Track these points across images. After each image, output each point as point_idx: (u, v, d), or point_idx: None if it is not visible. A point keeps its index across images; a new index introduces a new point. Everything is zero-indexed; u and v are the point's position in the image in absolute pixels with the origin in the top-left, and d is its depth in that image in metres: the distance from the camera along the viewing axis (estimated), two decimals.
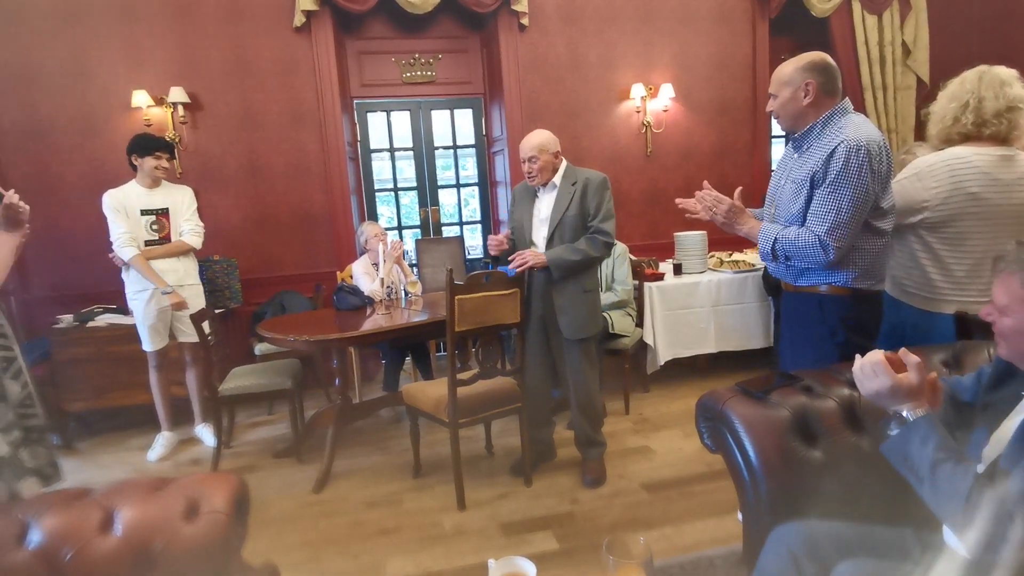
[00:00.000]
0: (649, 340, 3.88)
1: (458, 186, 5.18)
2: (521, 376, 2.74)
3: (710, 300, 3.97)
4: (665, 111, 4.87)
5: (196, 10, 4.06)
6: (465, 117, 5.07)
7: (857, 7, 5.03)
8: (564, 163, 2.74)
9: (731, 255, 4.54)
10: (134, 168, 3.28)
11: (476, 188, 5.22)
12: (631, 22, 4.79)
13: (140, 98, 3.93)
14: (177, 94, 3.96)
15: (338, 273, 4.27)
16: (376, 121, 4.94)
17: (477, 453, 3.16)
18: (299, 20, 4.12)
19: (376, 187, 4.99)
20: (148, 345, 3.37)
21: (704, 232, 4.18)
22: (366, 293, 3.53)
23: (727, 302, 3.98)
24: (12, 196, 2.09)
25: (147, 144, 3.24)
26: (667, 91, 4.79)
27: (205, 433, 3.56)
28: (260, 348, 3.94)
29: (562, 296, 2.68)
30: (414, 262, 4.63)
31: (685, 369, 4.12)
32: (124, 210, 3.22)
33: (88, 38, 3.94)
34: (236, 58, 4.15)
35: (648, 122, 4.86)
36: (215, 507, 1.28)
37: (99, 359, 3.70)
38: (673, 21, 4.87)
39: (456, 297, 2.41)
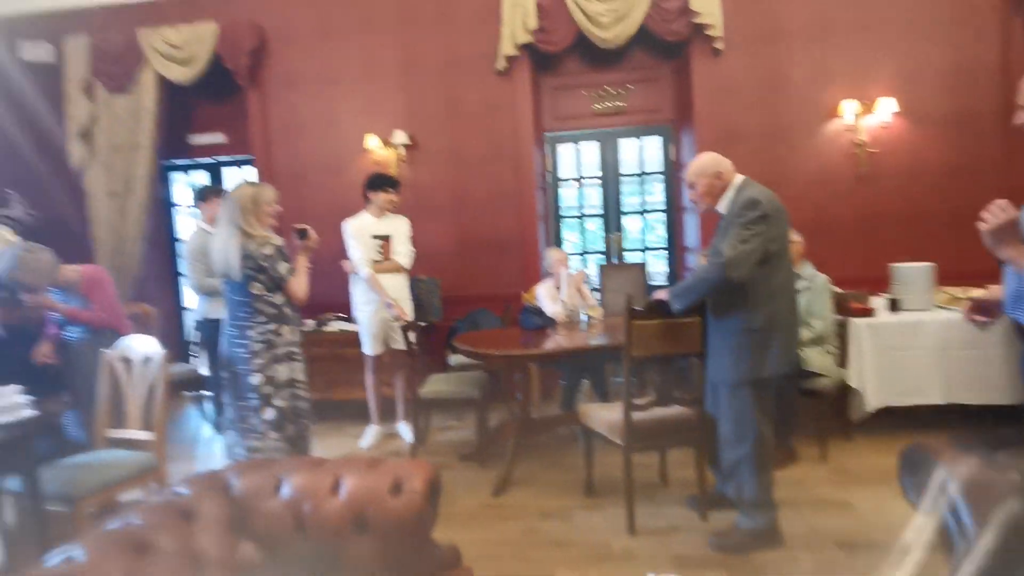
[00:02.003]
0: (855, 383, 3.47)
1: (643, 212, 5.20)
2: (700, 407, 2.67)
3: (937, 342, 3.42)
4: (884, 128, 4.36)
5: (419, 63, 4.73)
6: (653, 144, 5.09)
7: None
8: (735, 185, 2.49)
9: (967, 291, 3.86)
10: (367, 200, 3.91)
11: (662, 214, 5.18)
12: (844, 35, 4.40)
13: (371, 142, 4.69)
14: (400, 137, 4.64)
15: (524, 295, 4.56)
16: (565, 151, 5.21)
17: (651, 481, 3.12)
18: (501, 65, 4.56)
19: (563, 214, 5.23)
20: (368, 349, 3.95)
21: (930, 264, 3.63)
22: (548, 314, 3.73)
23: (960, 346, 3.39)
24: (312, 232, 2.81)
25: (381, 181, 3.86)
26: (887, 106, 4.28)
27: (405, 430, 4.05)
28: (454, 359, 4.36)
29: (712, 332, 2.50)
30: (597, 287, 4.75)
31: (901, 419, 3.58)
32: (361, 235, 3.86)
33: (339, 96, 4.82)
34: (447, 103, 4.73)
35: (862, 141, 4.39)
36: (415, 488, 1.51)
37: (330, 359, 4.44)
38: (898, 28, 4.36)
39: (633, 322, 2.46)
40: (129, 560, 1.21)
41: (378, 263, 3.88)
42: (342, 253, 3.95)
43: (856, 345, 3.47)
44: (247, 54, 4.72)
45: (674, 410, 2.68)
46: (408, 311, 3.94)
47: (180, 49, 4.75)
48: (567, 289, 3.90)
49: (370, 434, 4.03)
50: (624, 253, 5.24)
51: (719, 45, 4.41)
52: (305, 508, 1.49)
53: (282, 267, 2.78)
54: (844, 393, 3.52)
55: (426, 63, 4.73)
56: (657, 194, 5.24)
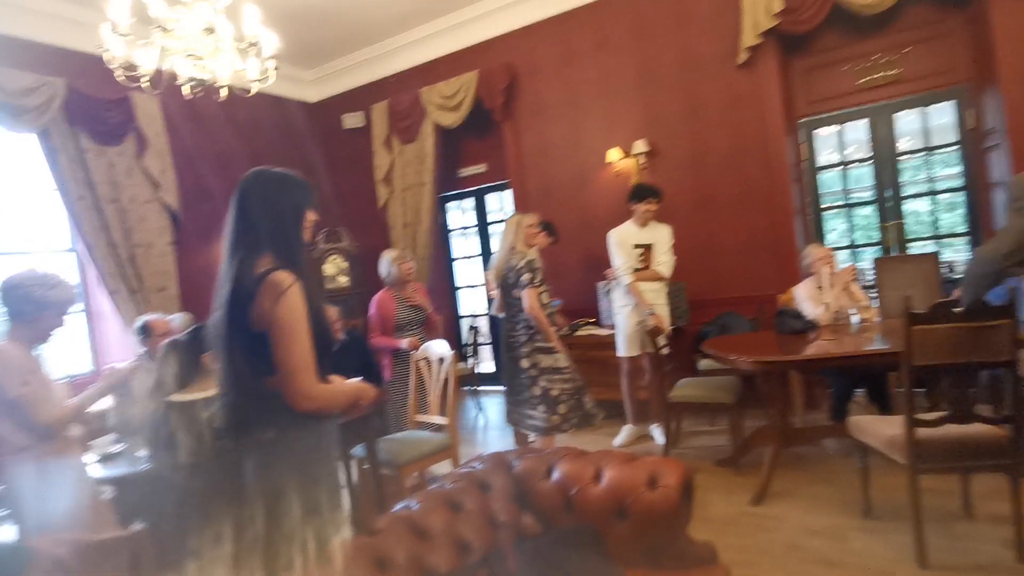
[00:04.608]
0: None
1: (933, 194, 4.41)
2: (1016, 426, 2.21)
3: None
4: None
5: (655, 71, 4.80)
6: (943, 113, 4.29)
7: None
8: None
9: None
10: (630, 210, 4.12)
11: (962, 194, 4.32)
12: None
13: (613, 154, 4.91)
14: (640, 146, 4.77)
15: (780, 296, 4.26)
16: (826, 135, 4.70)
17: (950, 510, 2.67)
18: (743, 57, 4.36)
19: (824, 204, 4.74)
20: (623, 351, 4.15)
21: None
22: (809, 318, 3.45)
23: None
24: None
25: (642, 192, 4.06)
26: None
27: (657, 432, 4.14)
28: (703, 364, 4.30)
29: None
30: (871, 283, 4.19)
31: None
32: (624, 244, 4.09)
33: (580, 116, 5.17)
34: (687, 105, 4.70)
35: None
36: (669, 483, 1.63)
37: (583, 360, 4.76)
38: None
39: (914, 328, 2.17)
40: (446, 513, 1.58)
41: (639, 271, 4.06)
42: (587, 262, 4.24)
43: None
44: (501, 92, 5.38)
45: (975, 428, 2.27)
46: (666, 320, 4.04)
47: (450, 99, 5.64)
48: (833, 289, 3.56)
49: (625, 433, 4.23)
50: (907, 244, 4.50)
51: None
52: (572, 491, 1.73)
53: (525, 277, 3.25)
54: None
55: (662, 70, 4.78)
56: (952, 171, 4.39)
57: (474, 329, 5.86)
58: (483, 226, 6.34)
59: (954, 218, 4.48)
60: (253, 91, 3.29)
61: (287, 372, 1.46)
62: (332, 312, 3.60)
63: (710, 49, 4.57)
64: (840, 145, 4.65)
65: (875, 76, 4.25)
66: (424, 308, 3.90)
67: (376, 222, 6.29)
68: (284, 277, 1.48)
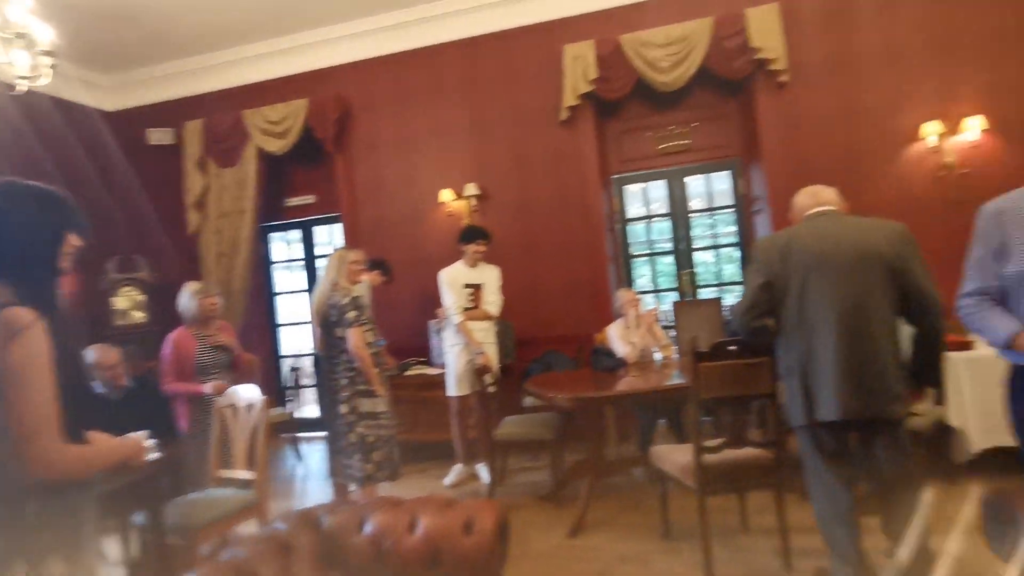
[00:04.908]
0: (956, 423, 3.23)
1: (716, 247, 5.15)
2: (777, 449, 2.60)
3: None
4: (974, 147, 4.13)
5: (486, 120, 5.03)
6: (722, 180, 5.07)
7: None
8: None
9: None
10: (460, 251, 4.17)
11: (737, 249, 5.11)
12: (921, 56, 4.27)
13: (446, 195, 4.99)
14: (471, 189, 4.92)
15: (596, 336, 4.60)
16: (633, 191, 5.29)
17: (731, 526, 3.03)
18: (564, 115, 4.76)
19: (633, 252, 5.28)
20: (453, 390, 4.14)
21: None
22: (619, 356, 3.76)
23: None
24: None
25: (471, 234, 4.14)
26: (975, 124, 4.07)
27: (483, 471, 4.16)
28: (528, 401, 4.46)
29: None
30: (670, 324, 4.71)
31: (1012, 459, 3.27)
32: (454, 284, 4.11)
33: (415, 155, 5.20)
34: (514, 154, 4.98)
35: (949, 162, 4.17)
36: (485, 527, 1.61)
37: (413, 401, 4.66)
38: (979, 45, 4.17)
39: (700, 364, 2.47)
40: None
41: (469, 310, 4.10)
42: (419, 300, 4.21)
43: (954, 381, 3.25)
44: (333, 123, 5.22)
45: (748, 452, 2.62)
46: (494, 359, 4.12)
47: (277, 124, 5.33)
48: (638, 329, 3.93)
49: (454, 473, 4.18)
50: (699, 290, 5.18)
51: (784, 78, 4.39)
52: (385, 544, 1.63)
53: (349, 315, 3.13)
54: (944, 434, 3.28)
55: (492, 120, 5.02)
56: (730, 230, 5.18)
57: (296, 370, 5.45)
58: (310, 260, 6.00)
59: (733, 269, 5.26)
60: (20, 88, 2.78)
61: (19, 432, 1.18)
62: (112, 355, 3.10)
63: (536, 105, 4.91)
64: (645, 201, 5.26)
65: (671, 144, 4.91)
66: (230, 348, 3.52)
67: (185, 251, 5.63)
68: (21, 314, 1.21)
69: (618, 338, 3.96)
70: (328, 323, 3.22)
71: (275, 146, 5.36)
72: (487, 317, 4.14)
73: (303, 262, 6.04)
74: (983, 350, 3.29)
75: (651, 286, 5.33)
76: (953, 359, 3.26)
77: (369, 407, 3.15)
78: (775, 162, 4.48)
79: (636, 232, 5.37)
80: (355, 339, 3.10)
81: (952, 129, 4.14)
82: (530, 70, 4.93)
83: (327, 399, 3.33)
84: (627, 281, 5.22)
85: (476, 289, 4.14)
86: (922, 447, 3.12)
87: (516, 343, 4.80)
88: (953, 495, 3.14)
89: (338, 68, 5.34)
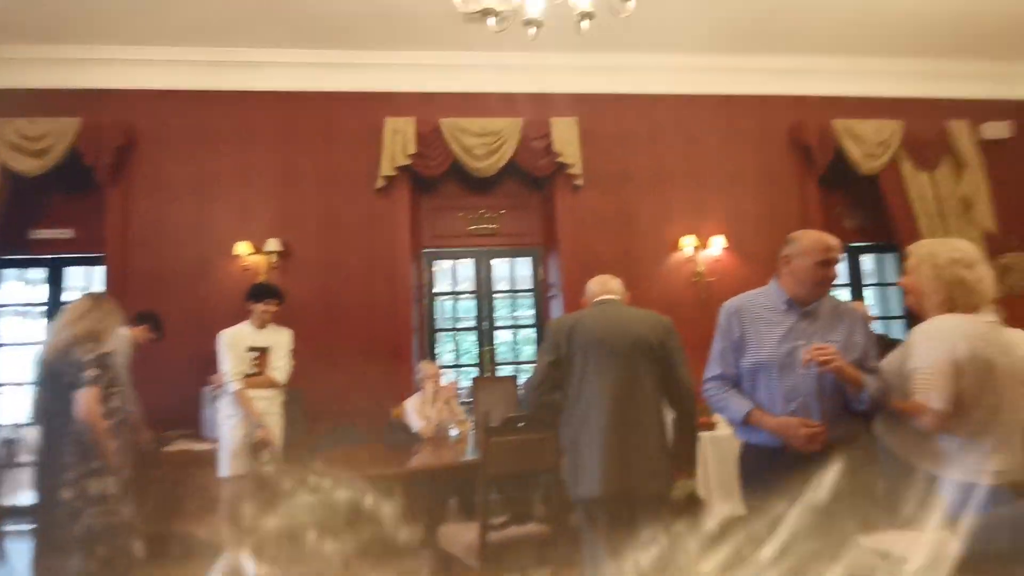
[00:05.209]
0: (702, 493, 3.70)
1: (515, 327, 5.44)
2: (555, 525, 2.70)
3: None
4: (717, 261, 5.05)
5: (297, 174, 4.82)
6: (524, 265, 5.46)
7: (907, 165, 5.19)
8: None
9: None
10: (248, 310, 3.78)
11: (534, 330, 5.45)
12: (682, 181, 5.18)
13: (243, 247, 4.59)
14: (273, 244, 4.59)
15: (394, 409, 4.46)
16: (443, 267, 5.42)
17: None
18: (381, 183, 4.78)
19: (438, 327, 5.33)
20: (225, 470, 3.60)
21: None
22: (414, 430, 3.68)
23: None
24: None
25: (261, 292, 3.78)
26: (718, 242, 5.00)
27: (249, 564, 3.63)
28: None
29: None
30: (469, 400, 4.77)
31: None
32: (236, 346, 3.66)
33: (210, 201, 4.74)
34: (325, 214, 4.81)
35: (700, 271, 5.03)
36: None
37: (172, 481, 3.95)
38: (722, 180, 5.21)
39: (490, 439, 2.50)
40: None
41: (251, 377, 3.67)
42: (197, 363, 3.70)
43: (701, 457, 3.74)
44: (112, 151, 4.55)
45: (531, 528, 2.68)
46: (277, 433, 3.71)
47: (35, 141, 4.48)
48: (436, 403, 3.90)
49: (221, 564, 3.56)
50: (498, 367, 5.37)
51: (579, 182, 4.98)
52: None
53: (88, 374, 2.61)
54: (694, 503, 3.73)
55: (305, 176, 4.84)
56: (529, 312, 5.54)
57: (8, 443, 4.32)
58: (55, 306, 4.97)
59: (530, 349, 5.58)
60: None
61: None
62: None
63: (353, 168, 4.86)
64: (454, 278, 5.41)
65: (480, 226, 5.19)
66: None
67: None
68: None
69: (415, 412, 3.88)
70: (60, 384, 2.61)
71: (27, 165, 4.47)
72: (272, 384, 3.77)
73: (45, 308, 4.98)
74: (724, 430, 3.87)
75: (453, 361, 5.39)
76: (700, 437, 3.77)
77: (99, 488, 2.58)
78: (569, 253, 4.97)
79: (443, 307, 5.46)
80: (85, 402, 2.56)
81: (703, 244, 5.04)
82: (350, 133, 4.90)
83: (47, 481, 2.66)
84: (431, 354, 5.22)
85: (262, 353, 3.77)
86: (676, 516, 3.49)
87: (306, 415, 4.43)
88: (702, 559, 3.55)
89: (128, 92, 4.73)
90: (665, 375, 2.46)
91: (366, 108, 4.89)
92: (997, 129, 5.35)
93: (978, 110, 5.41)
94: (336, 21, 4.44)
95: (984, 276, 2.04)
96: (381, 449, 3.60)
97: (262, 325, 3.78)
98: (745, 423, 2.12)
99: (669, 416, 2.53)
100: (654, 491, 2.39)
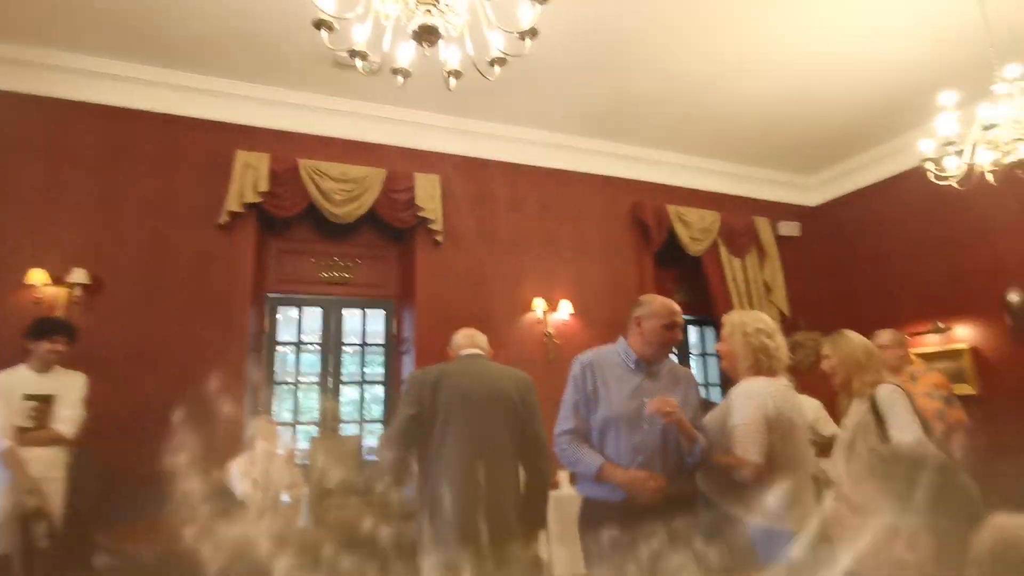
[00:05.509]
0: (544, 554, 3.69)
1: (362, 383, 5.16)
2: None
3: None
4: (565, 324, 5.30)
5: (125, 196, 4.25)
6: (376, 317, 5.27)
7: (724, 250, 5.98)
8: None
9: None
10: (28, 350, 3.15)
11: (383, 387, 5.21)
12: (536, 247, 5.43)
13: (37, 276, 3.87)
14: (79, 275, 3.94)
15: (216, 472, 3.92)
16: (287, 315, 5.03)
17: None
18: (225, 218, 4.38)
19: (277, 380, 4.88)
20: None
21: None
22: (237, 496, 3.25)
23: None
24: None
25: (45, 328, 3.17)
26: (566, 307, 5.27)
27: None
28: (105, 559, 3.38)
29: None
30: (306, 461, 4.36)
31: None
32: (8, 394, 3.02)
33: (3, 222, 3.98)
34: (152, 247, 4.27)
35: (549, 333, 5.23)
36: None
37: None
38: (571, 249, 5.57)
39: (324, 503, 2.28)
40: None
41: (28, 431, 3.01)
42: None
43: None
44: None
45: None
46: (58, 498, 3.05)
47: None
48: (266, 465, 3.50)
49: None
50: (342, 424, 5.01)
51: (439, 238, 5.00)
52: None
53: None
54: (537, 565, 3.70)
55: (128, 201, 4.28)
56: (379, 368, 5.31)
57: None
58: None
59: (378, 406, 5.31)
60: None
61: None
62: None
63: (192, 197, 4.42)
64: (298, 326, 5.04)
65: (333, 274, 4.95)
66: None
67: None
68: None
69: (241, 475, 3.44)
70: None
71: None
72: (55, 440, 3.13)
73: None
74: (565, 490, 3.95)
75: (292, 418, 4.94)
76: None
77: None
78: (425, 308, 4.90)
79: (284, 359, 5.03)
80: None
81: (552, 307, 5.27)
82: (192, 161, 4.48)
83: None
84: (267, 410, 4.73)
85: (44, 402, 3.13)
86: None
87: (101, 478, 3.72)
88: None
89: None
90: (523, 432, 2.46)
91: (215, 138, 4.53)
92: (790, 228, 6.42)
93: (776, 210, 6.47)
94: (189, 41, 4.11)
95: (781, 345, 2.38)
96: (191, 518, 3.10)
97: (46, 368, 3.17)
98: (597, 477, 2.17)
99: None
100: (511, 554, 2.32)
